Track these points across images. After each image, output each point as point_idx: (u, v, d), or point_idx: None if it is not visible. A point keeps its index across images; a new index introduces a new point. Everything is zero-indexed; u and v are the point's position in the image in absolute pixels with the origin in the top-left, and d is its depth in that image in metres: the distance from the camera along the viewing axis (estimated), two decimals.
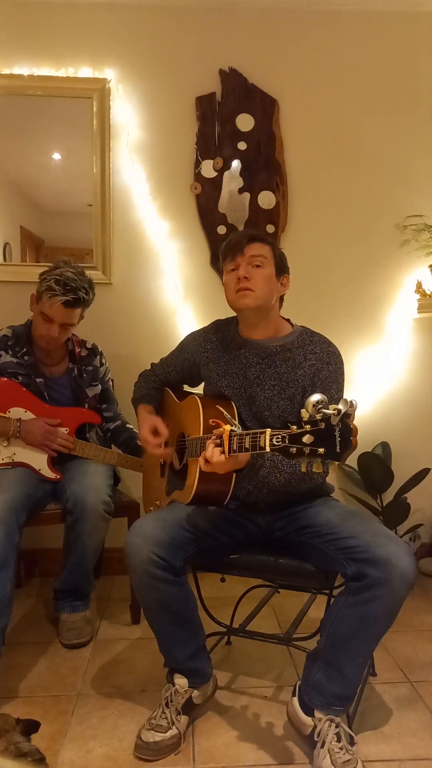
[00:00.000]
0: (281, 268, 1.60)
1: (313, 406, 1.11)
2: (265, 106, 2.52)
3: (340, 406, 1.09)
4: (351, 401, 1.10)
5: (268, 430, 1.20)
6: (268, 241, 1.59)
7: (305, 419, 1.12)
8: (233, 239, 1.58)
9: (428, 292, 2.51)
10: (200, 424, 1.49)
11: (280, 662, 1.89)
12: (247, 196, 2.54)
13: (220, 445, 1.33)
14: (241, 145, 2.52)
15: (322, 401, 1.11)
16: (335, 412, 1.09)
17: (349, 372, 2.56)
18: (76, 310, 1.99)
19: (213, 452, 1.33)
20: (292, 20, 2.51)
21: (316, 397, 1.12)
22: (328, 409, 1.10)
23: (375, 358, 2.62)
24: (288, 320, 1.68)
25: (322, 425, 1.10)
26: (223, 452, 1.32)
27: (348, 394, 2.51)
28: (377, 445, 2.60)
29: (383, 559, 1.32)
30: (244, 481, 1.52)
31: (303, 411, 1.13)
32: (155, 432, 1.69)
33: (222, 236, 2.53)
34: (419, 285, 2.54)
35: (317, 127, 2.56)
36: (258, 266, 1.54)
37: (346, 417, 1.10)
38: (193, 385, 1.82)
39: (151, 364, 1.88)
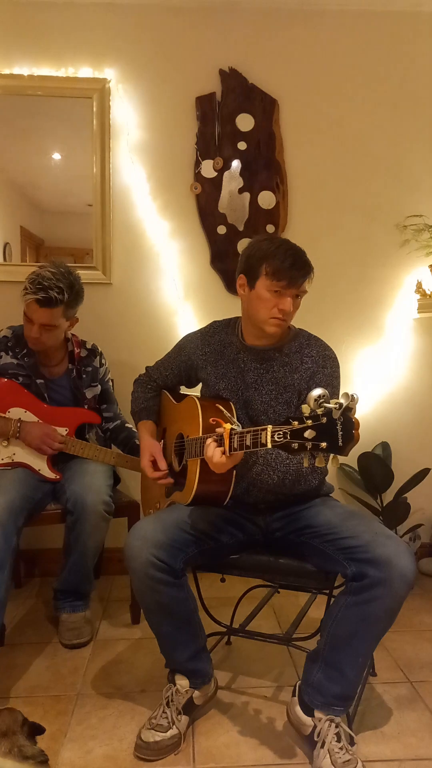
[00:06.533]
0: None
1: (315, 400, 1.12)
2: (265, 106, 2.52)
3: (342, 400, 1.10)
4: (352, 395, 1.11)
5: (270, 427, 1.20)
6: (312, 271, 1.53)
7: (307, 414, 1.13)
8: (296, 267, 1.47)
9: (428, 292, 2.51)
10: (199, 424, 1.49)
11: (280, 662, 1.89)
12: (247, 196, 2.54)
13: (221, 444, 1.34)
14: (241, 145, 2.52)
15: (323, 395, 1.12)
16: (337, 405, 1.10)
17: (349, 372, 2.60)
18: (53, 310, 1.93)
19: (214, 452, 1.34)
20: (292, 20, 2.51)
21: (317, 392, 1.12)
22: (329, 403, 1.11)
23: (375, 358, 2.62)
24: None
25: (324, 419, 1.11)
26: (223, 452, 1.33)
27: None
28: (377, 445, 2.60)
29: (383, 559, 1.32)
30: (239, 480, 1.52)
31: (304, 406, 1.13)
32: (154, 462, 1.69)
33: (222, 236, 2.53)
34: (419, 285, 2.54)
35: (317, 127, 2.56)
36: (298, 296, 1.53)
37: (348, 411, 1.10)
38: (191, 386, 1.82)
39: (146, 367, 1.87)
